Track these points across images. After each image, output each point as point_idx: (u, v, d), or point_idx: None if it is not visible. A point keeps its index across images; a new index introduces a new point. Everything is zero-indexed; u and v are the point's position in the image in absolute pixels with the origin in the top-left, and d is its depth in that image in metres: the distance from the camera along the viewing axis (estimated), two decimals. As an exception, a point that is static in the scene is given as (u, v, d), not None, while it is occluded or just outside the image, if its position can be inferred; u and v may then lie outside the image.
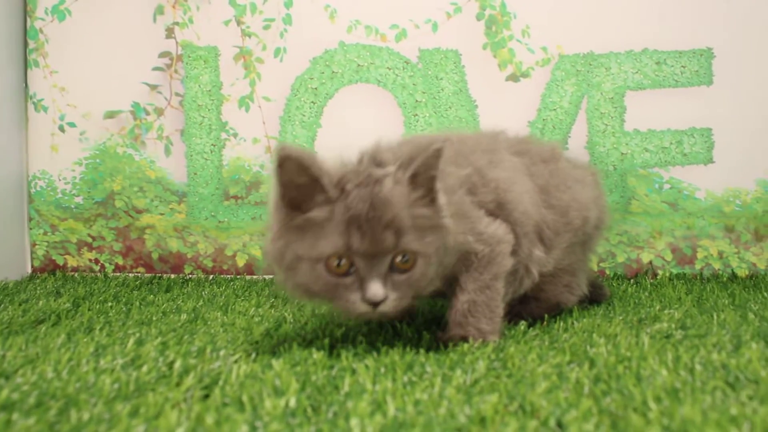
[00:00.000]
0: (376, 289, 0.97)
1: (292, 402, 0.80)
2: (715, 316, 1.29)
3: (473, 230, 1.13)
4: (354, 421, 0.73)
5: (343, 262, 0.98)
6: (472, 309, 1.13)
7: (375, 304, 0.98)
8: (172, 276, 1.91)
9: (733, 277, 1.80)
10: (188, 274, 1.93)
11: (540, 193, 1.30)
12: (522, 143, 1.40)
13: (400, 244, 0.98)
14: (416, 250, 1.00)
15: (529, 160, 1.34)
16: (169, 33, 1.90)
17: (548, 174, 1.33)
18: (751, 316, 1.29)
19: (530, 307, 1.33)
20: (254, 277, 1.89)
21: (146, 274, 1.93)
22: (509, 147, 1.35)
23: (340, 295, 0.99)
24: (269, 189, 1.09)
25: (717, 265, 1.82)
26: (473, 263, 1.13)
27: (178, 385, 0.89)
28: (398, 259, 0.99)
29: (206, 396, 0.85)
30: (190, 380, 0.89)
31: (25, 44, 1.93)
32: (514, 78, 1.83)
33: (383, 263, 0.98)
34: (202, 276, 1.91)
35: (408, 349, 1.04)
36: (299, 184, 0.99)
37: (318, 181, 0.98)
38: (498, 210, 1.20)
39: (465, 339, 1.11)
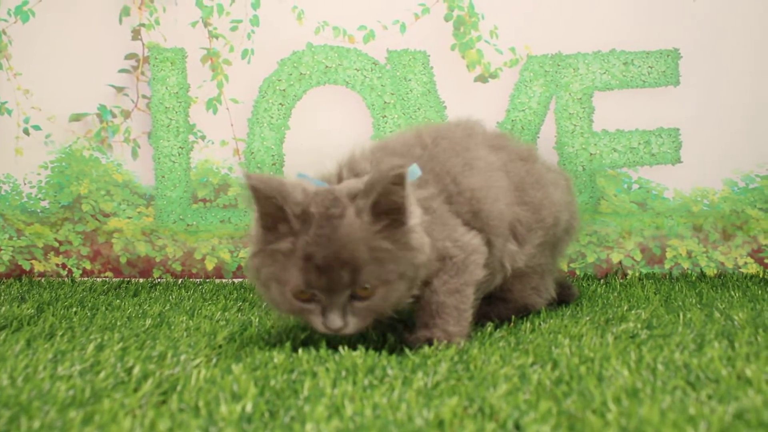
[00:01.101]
0: (333, 319, 1.02)
1: (249, 407, 0.79)
2: (681, 316, 1.29)
3: (450, 237, 1.15)
4: (309, 426, 0.72)
5: (306, 291, 1.03)
6: (440, 311, 1.13)
7: (335, 330, 1.04)
8: (141, 280, 1.88)
9: (702, 276, 1.81)
10: (157, 278, 1.90)
11: (515, 190, 1.30)
12: (500, 138, 1.40)
13: (357, 281, 1.02)
14: (375, 283, 1.03)
15: (507, 156, 1.33)
16: (136, 34, 1.88)
17: (525, 172, 1.34)
18: (716, 314, 1.29)
19: (498, 309, 1.33)
20: (223, 280, 1.88)
21: (114, 279, 1.90)
22: (486, 140, 1.34)
23: (305, 317, 1.05)
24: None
25: (686, 265, 1.83)
26: (447, 267, 1.14)
27: (135, 391, 0.88)
28: (358, 289, 1.03)
29: (163, 402, 0.84)
30: (147, 386, 0.88)
31: (-11, 46, 1.90)
32: (482, 79, 1.83)
33: (341, 296, 1.02)
34: (171, 280, 1.89)
35: (370, 351, 1.03)
36: (267, 212, 1.03)
37: (283, 210, 1.01)
38: (473, 219, 1.20)
39: (430, 341, 1.10)
